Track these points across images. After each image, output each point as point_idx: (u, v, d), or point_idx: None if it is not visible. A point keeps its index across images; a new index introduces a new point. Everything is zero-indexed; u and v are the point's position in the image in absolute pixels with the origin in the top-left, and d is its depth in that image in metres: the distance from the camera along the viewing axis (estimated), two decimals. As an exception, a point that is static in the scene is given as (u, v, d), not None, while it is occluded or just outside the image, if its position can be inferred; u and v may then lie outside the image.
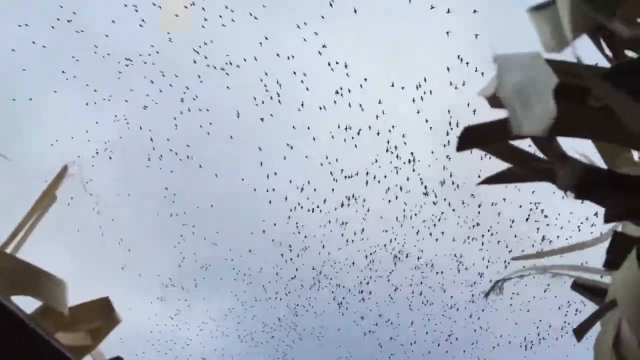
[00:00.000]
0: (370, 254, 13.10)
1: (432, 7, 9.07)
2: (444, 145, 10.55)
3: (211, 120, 11.14)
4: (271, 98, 10.71)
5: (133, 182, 12.65)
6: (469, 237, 12.27)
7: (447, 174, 11.42)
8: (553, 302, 11.69)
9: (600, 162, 1.70)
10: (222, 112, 11.28)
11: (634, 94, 1.03)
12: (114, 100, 11.21)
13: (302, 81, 10.43)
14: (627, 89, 1.04)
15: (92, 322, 2.55)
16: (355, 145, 11.25)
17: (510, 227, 11.69)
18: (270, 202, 12.01)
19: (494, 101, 1.21)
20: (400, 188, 11.78)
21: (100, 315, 2.59)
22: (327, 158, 11.53)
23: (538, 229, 11.51)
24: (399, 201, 12.00)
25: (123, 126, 11.63)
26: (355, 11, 9.86)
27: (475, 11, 9.26)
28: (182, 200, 12.79)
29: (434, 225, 12.22)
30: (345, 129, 10.95)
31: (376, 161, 11.58)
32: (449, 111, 10.27)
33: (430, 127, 10.77)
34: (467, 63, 9.60)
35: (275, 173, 11.63)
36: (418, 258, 12.85)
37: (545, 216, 11.36)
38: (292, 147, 11.35)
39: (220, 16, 9.90)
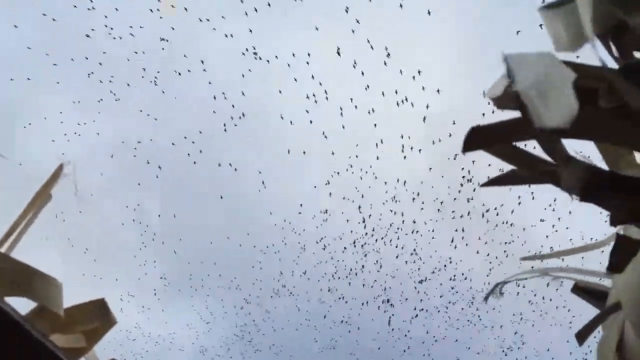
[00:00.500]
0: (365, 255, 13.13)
1: (429, 13, 9.10)
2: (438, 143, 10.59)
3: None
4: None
5: (126, 183, 12.59)
6: (464, 239, 12.30)
7: (446, 176, 11.45)
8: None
9: (602, 165, 1.70)
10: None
11: None
12: (106, 102, 11.16)
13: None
14: None
15: (88, 324, 2.52)
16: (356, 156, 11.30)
17: (510, 228, 11.73)
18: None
19: (501, 102, 1.20)
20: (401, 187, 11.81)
21: (96, 317, 2.56)
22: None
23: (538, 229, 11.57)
24: (398, 206, 12.03)
25: (116, 128, 11.61)
26: (346, 10, 9.81)
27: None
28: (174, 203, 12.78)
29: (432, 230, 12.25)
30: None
31: (371, 167, 11.63)
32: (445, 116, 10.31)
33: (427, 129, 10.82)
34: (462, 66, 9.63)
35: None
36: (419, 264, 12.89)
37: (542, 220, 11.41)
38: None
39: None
